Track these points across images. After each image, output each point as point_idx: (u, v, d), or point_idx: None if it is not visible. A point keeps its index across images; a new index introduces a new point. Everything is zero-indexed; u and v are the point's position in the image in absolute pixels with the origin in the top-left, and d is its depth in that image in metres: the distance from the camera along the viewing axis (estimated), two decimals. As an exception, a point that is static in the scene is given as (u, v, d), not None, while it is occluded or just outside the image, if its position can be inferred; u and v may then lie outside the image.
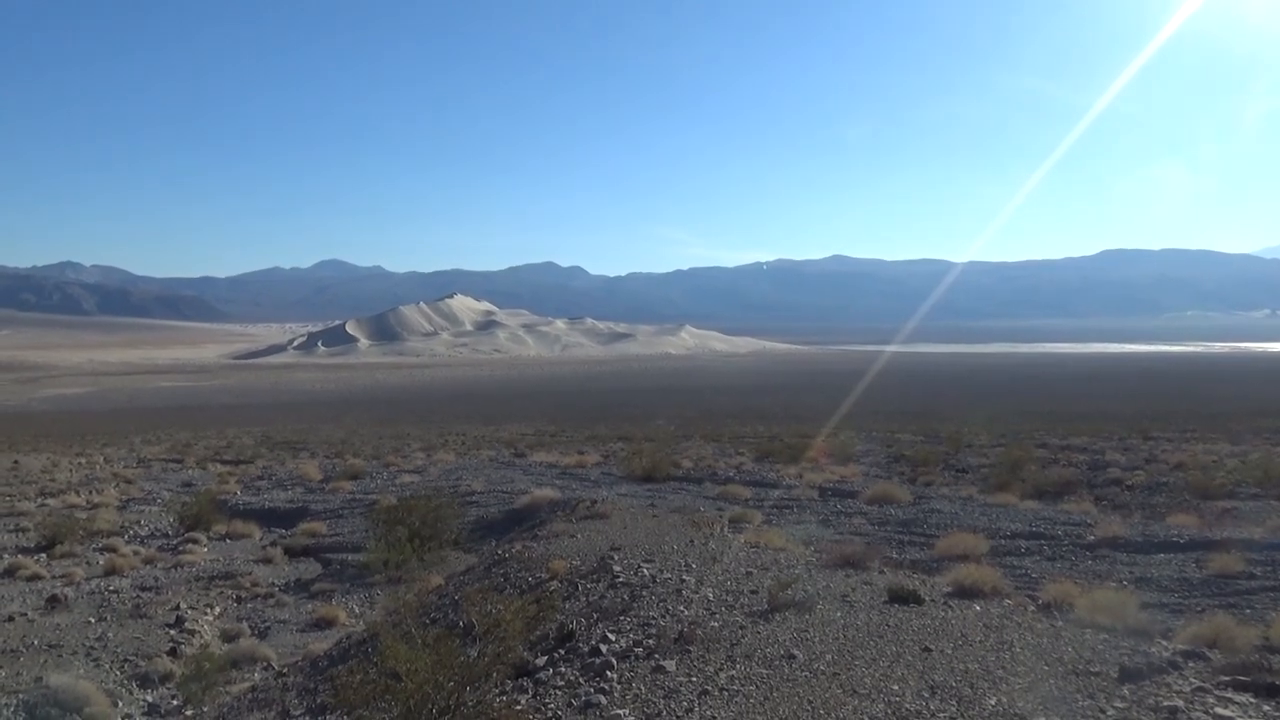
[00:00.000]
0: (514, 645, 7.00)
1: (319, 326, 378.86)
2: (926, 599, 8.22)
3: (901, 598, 8.14)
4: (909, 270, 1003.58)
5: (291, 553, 17.84)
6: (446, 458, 31.71)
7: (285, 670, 10.37)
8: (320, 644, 11.45)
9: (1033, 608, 8.42)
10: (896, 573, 9.96)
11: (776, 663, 6.34)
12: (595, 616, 8.12)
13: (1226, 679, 5.79)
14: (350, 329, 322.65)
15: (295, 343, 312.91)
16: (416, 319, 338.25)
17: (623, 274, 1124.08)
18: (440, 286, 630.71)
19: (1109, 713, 5.31)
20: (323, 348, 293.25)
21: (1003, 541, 13.83)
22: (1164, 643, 7.09)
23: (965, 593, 8.64)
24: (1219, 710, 5.26)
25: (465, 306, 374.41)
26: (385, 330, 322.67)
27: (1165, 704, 5.38)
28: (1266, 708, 5.35)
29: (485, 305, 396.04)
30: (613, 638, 7.29)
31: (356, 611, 13.79)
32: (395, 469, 28.82)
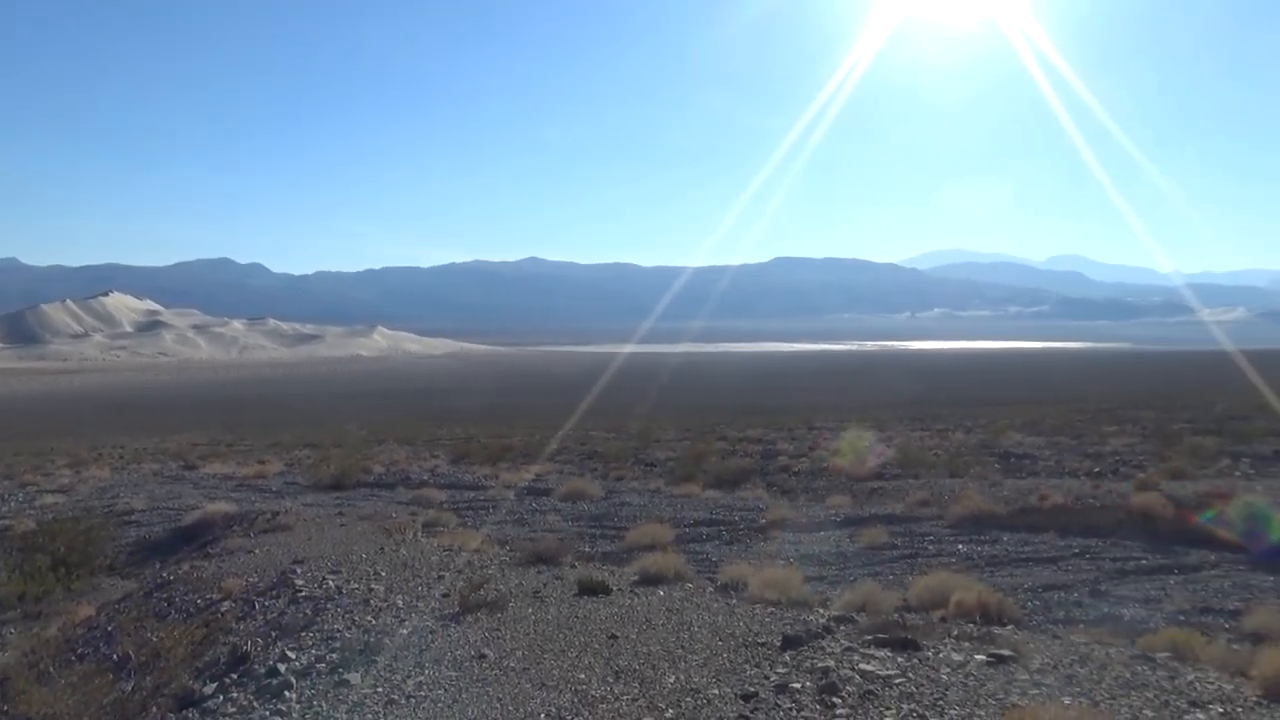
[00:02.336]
0: (177, 674, 6.38)
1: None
2: (615, 589, 8.50)
3: (591, 589, 8.37)
4: (600, 273, 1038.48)
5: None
6: (100, 474, 28.26)
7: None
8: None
9: (712, 589, 8.99)
10: (587, 566, 10.23)
11: (467, 664, 6.27)
12: (274, 635, 7.60)
13: (870, 638, 6.52)
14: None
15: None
16: (62, 319, 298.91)
17: (309, 272, 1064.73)
18: (93, 283, 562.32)
19: (772, 678, 5.78)
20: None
21: (687, 529, 14.66)
22: (821, 611, 7.84)
23: (650, 580, 9.04)
24: (862, 666, 5.91)
25: (123, 305, 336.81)
26: (22, 331, 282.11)
27: (819, 665, 5.95)
28: (900, 659, 6.08)
29: (148, 304, 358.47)
30: (293, 655, 6.84)
31: (-18, 656, 11.91)
32: (34, 489, 25.20)
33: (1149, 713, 5.21)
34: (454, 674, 6.10)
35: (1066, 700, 5.31)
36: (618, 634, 6.89)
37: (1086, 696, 5.43)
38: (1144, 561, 11.49)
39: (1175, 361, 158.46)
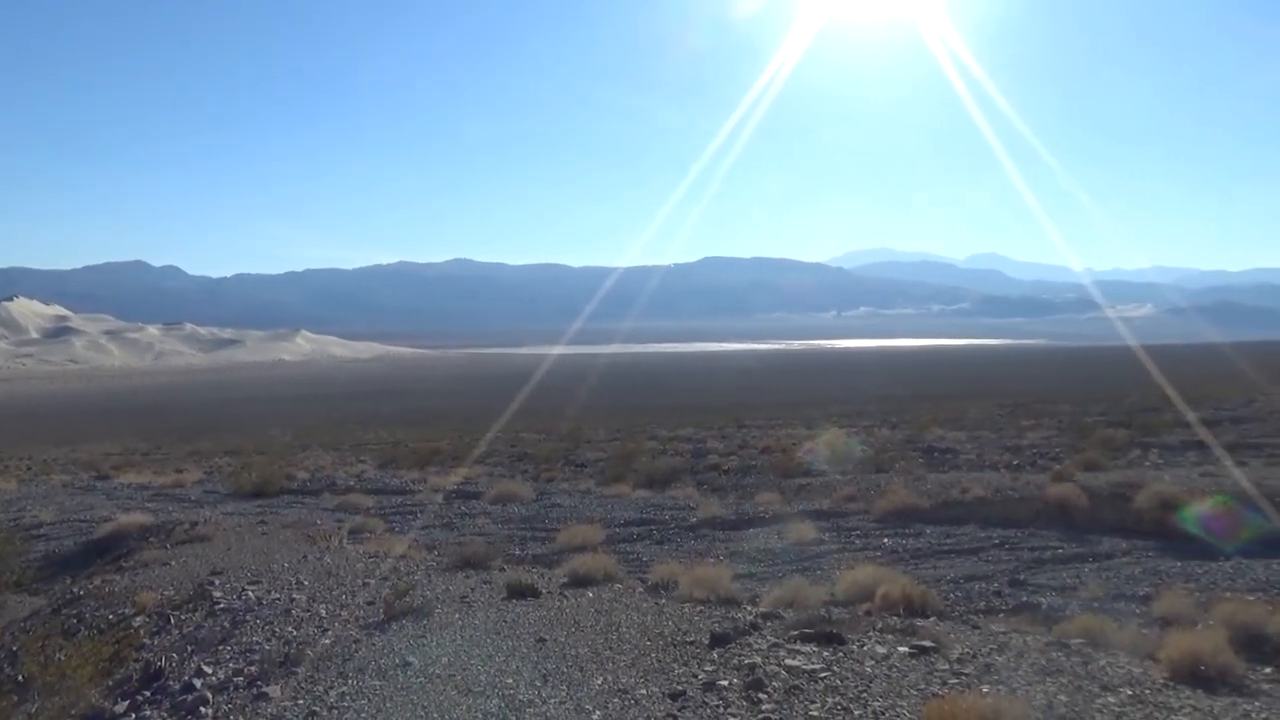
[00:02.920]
0: (86, 693, 6.14)
1: None
2: (544, 591, 8.45)
3: (520, 592, 8.30)
4: (530, 274, 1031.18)
5: None
6: (6, 486, 27.08)
7: None
8: None
9: (642, 589, 8.98)
10: (517, 569, 10.14)
11: (391, 672, 6.16)
12: (190, 649, 7.38)
13: (796, 633, 6.59)
14: None
15: None
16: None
17: (228, 275, 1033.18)
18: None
19: (700, 676, 5.80)
20: None
21: (617, 530, 14.63)
22: (750, 608, 7.90)
23: (580, 581, 9.01)
24: (788, 661, 5.97)
25: (29, 311, 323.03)
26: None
27: (746, 662, 5.99)
28: (826, 653, 6.17)
29: (56, 309, 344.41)
30: (209, 670, 6.65)
31: None
32: (-66, 504, 24.06)
33: (1063, 698, 5.36)
34: (378, 683, 5.98)
35: (985, 689, 5.44)
36: (546, 637, 6.84)
37: (1004, 684, 5.57)
38: (1060, 551, 11.84)
39: (1088, 357, 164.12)
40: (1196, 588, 9.60)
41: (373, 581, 9.09)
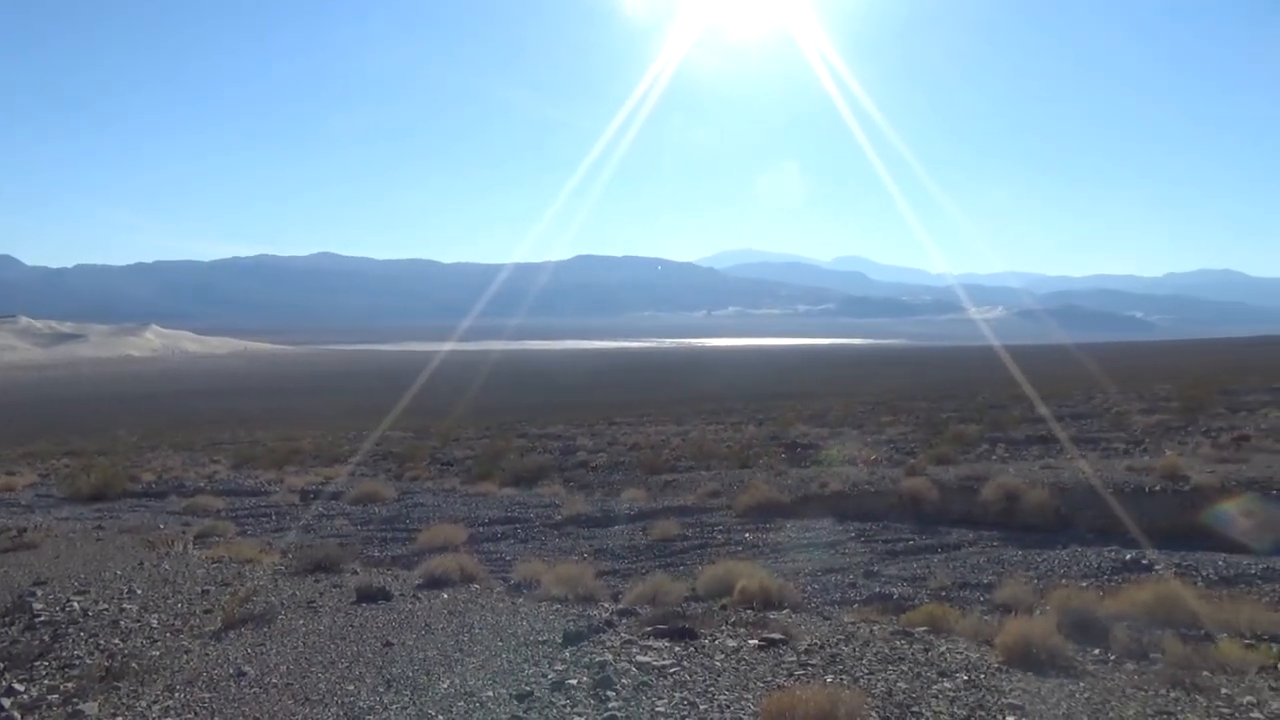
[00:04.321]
0: None
1: None
2: (396, 594, 8.19)
3: (370, 596, 8.02)
4: (398, 269, 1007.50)
5: None
6: None
7: None
8: None
9: (501, 589, 8.83)
10: (371, 571, 9.82)
11: (223, 684, 5.81)
12: (2, 666, 6.79)
13: (650, 629, 6.57)
14: None
15: None
16: None
17: (69, 265, 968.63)
18: None
19: (549, 676, 5.70)
20: None
21: (481, 529, 14.39)
22: (606, 605, 7.85)
23: (436, 583, 8.78)
24: (640, 658, 5.95)
25: None
26: None
27: (598, 660, 5.94)
28: (678, 649, 6.17)
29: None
30: (21, 688, 6.12)
31: None
32: None
33: (903, 685, 5.51)
34: (208, 695, 5.63)
35: (829, 678, 5.54)
36: (394, 640, 6.61)
37: (848, 674, 5.69)
38: (912, 542, 12.29)
39: (944, 356, 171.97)
40: (1035, 575, 10.11)
41: (213, 588, 8.62)
